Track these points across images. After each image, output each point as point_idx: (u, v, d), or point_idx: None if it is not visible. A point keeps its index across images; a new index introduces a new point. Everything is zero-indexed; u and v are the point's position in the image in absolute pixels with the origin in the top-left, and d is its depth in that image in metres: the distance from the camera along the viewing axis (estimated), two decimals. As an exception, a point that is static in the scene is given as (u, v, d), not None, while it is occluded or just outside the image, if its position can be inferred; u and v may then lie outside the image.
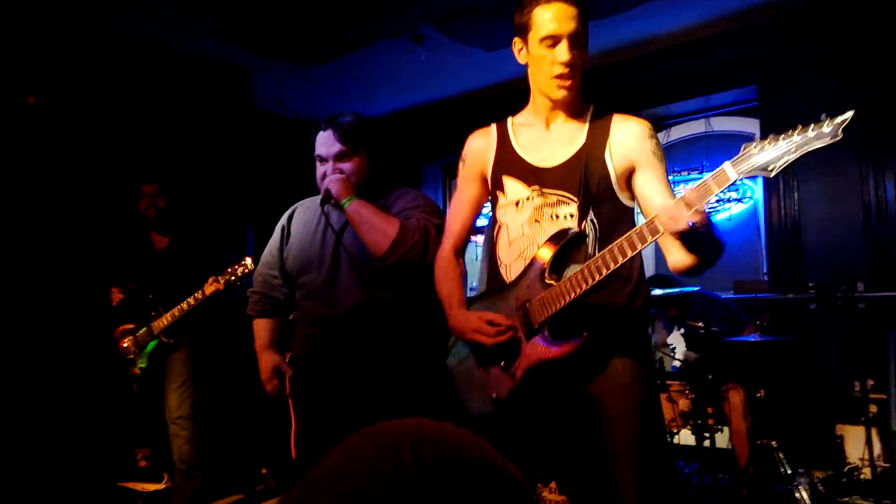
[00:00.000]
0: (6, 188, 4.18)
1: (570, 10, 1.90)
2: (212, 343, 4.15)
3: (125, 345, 3.96)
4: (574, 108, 2.03)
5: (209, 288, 3.70)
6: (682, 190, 5.34)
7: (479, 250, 5.13)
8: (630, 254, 1.73)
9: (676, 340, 4.36)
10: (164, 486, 4.22)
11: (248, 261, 3.63)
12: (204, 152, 5.08)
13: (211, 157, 5.14)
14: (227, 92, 5.26)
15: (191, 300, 3.75)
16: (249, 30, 4.63)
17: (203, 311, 3.84)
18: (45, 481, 4.08)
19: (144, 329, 3.90)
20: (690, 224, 1.61)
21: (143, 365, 3.91)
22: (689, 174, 5.45)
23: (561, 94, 1.95)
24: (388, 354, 2.45)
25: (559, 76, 1.92)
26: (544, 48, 1.92)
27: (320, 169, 2.52)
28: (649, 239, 1.71)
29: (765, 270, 4.93)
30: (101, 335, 4.11)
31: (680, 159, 5.55)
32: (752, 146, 1.58)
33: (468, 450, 0.64)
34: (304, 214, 2.69)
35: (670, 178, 5.25)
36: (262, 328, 2.78)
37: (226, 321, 4.22)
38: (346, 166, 2.48)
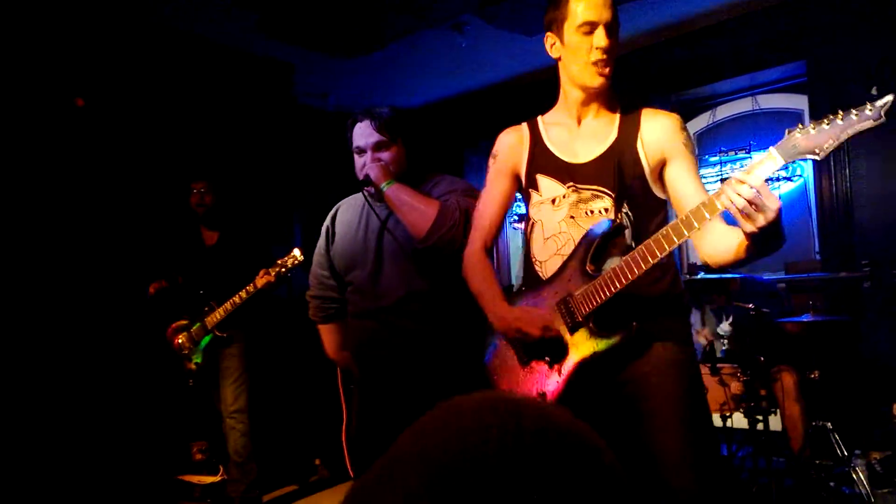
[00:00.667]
0: (57, 188, 4.31)
1: None
2: (265, 337, 4.24)
3: (179, 341, 4.06)
4: (605, 102, 2.03)
5: (260, 281, 3.76)
6: (729, 171, 5.33)
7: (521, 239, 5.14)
8: (678, 242, 1.73)
9: (726, 331, 4.31)
10: (219, 479, 4.32)
11: (297, 252, 3.70)
12: (249, 147, 5.17)
13: (256, 152, 5.23)
14: (269, 87, 5.32)
15: (242, 294, 3.82)
16: (291, 23, 4.67)
17: (255, 305, 3.92)
18: (105, 475, 4.22)
19: (198, 324, 3.99)
20: (769, 216, 1.58)
21: (198, 360, 4.01)
22: (736, 154, 5.33)
23: (599, 81, 1.94)
24: (432, 343, 2.50)
25: (597, 62, 1.92)
26: (581, 35, 1.92)
27: (359, 161, 2.57)
28: (696, 227, 1.70)
29: (817, 250, 4.84)
30: (153, 331, 4.23)
31: (727, 139, 5.45)
32: (796, 130, 1.59)
33: (565, 423, 0.63)
34: (346, 213, 2.74)
35: (717, 157, 5.29)
36: (328, 333, 2.85)
37: (278, 316, 4.33)
38: (385, 155, 2.53)
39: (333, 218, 2.79)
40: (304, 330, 3.38)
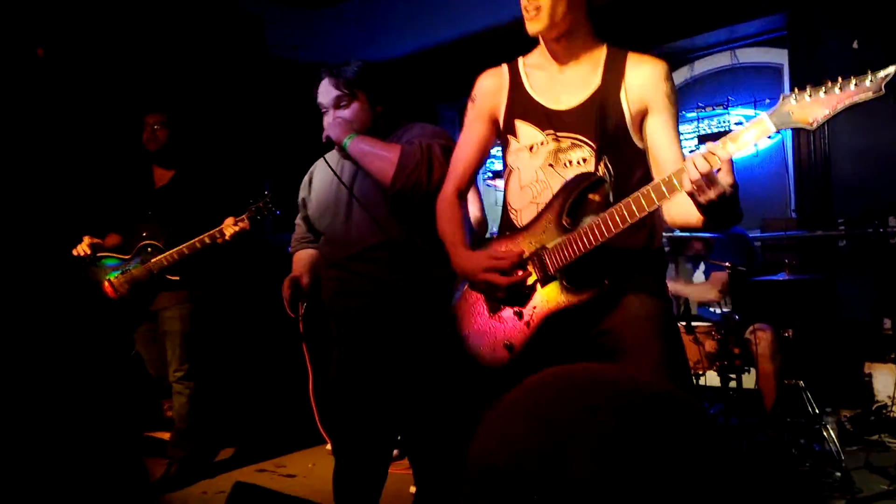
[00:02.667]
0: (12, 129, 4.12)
1: None
2: (216, 295, 3.99)
3: (109, 283, 3.79)
4: (583, 46, 1.93)
5: (229, 229, 3.48)
6: (706, 128, 5.27)
7: (500, 196, 5.06)
8: (657, 203, 1.67)
9: (699, 279, 4.29)
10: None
11: (268, 196, 3.44)
12: (216, 91, 5.00)
13: (224, 97, 5.06)
14: (240, 37, 5.15)
15: (205, 239, 3.53)
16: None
17: (206, 259, 3.68)
18: (74, 432, 4.13)
19: (141, 266, 3.73)
20: (719, 191, 1.56)
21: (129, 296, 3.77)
22: (714, 109, 5.27)
23: (530, 28, 1.88)
24: (403, 293, 2.46)
25: (525, 8, 1.86)
26: None
27: (325, 120, 2.55)
28: (678, 190, 1.63)
29: (793, 207, 4.81)
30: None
31: (705, 94, 5.37)
32: (791, 97, 1.53)
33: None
34: (323, 167, 2.70)
35: (694, 113, 5.21)
36: (298, 259, 2.80)
37: (235, 271, 4.15)
38: (345, 113, 2.51)
39: (312, 173, 2.75)
40: (264, 287, 3.27)
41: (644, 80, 1.87)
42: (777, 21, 4.77)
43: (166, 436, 4.25)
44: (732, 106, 5.22)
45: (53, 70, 4.22)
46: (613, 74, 1.89)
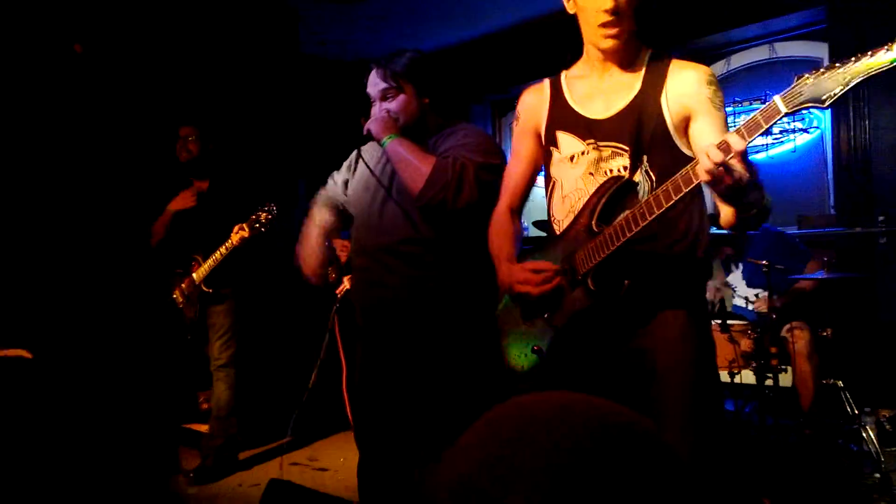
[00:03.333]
0: (56, 133, 4.21)
1: None
2: (257, 293, 4.14)
3: (175, 294, 4.01)
4: (628, 54, 1.93)
5: (235, 236, 3.67)
6: (741, 122, 5.19)
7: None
8: (675, 198, 1.63)
9: (736, 280, 4.23)
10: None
11: (273, 206, 3.60)
12: (250, 95, 5.04)
13: (258, 101, 5.10)
14: (273, 34, 5.18)
15: (222, 249, 3.73)
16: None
17: (245, 260, 3.83)
18: (111, 422, 4.21)
19: (188, 278, 3.93)
20: (726, 171, 1.52)
21: (196, 313, 3.96)
22: (751, 104, 5.18)
23: (608, 43, 1.86)
24: (430, 290, 2.46)
25: (604, 24, 1.82)
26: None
27: (373, 110, 2.53)
28: (694, 182, 1.60)
29: (832, 204, 4.72)
30: (153, 282, 4.16)
31: (742, 89, 5.28)
32: (808, 76, 1.47)
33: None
34: (370, 151, 2.69)
35: (731, 108, 5.13)
36: (316, 211, 2.79)
37: (273, 268, 4.23)
38: (392, 105, 2.49)
39: (359, 152, 2.73)
40: (299, 284, 3.32)
41: (686, 85, 1.86)
42: (817, 14, 4.68)
43: (202, 427, 4.33)
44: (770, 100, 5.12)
45: (90, 66, 4.29)
46: (654, 80, 1.88)
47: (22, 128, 4.12)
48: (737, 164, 1.54)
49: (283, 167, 5.27)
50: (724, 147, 1.52)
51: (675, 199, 1.64)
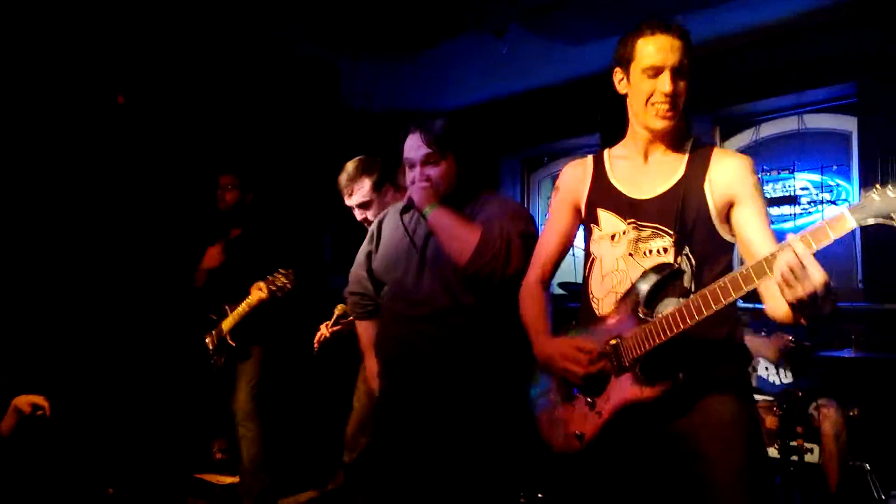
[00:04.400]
0: (98, 182, 4.30)
1: (675, 43, 1.90)
2: (285, 344, 4.14)
3: (206, 339, 4.01)
4: (674, 140, 1.97)
5: (254, 297, 3.73)
6: (770, 191, 5.18)
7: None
8: (734, 296, 1.64)
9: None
10: (238, 479, 4.25)
11: (291, 273, 3.64)
12: (289, 147, 5.13)
13: (298, 153, 5.18)
14: (315, 87, 5.28)
15: (245, 305, 3.76)
16: (335, 26, 4.64)
17: (272, 316, 3.84)
18: (125, 470, 4.20)
19: (217, 327, 3.95)
20: (809, 290, 1.51)
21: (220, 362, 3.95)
22: (779, 173, 5.19)
23: (661, 124, 1.91)
24: (469, 360, 2.42)
25: (659, 106, 1.88)
26: (645, 78, 1.89)
27: (409, 174, 2.52)
28: (755, 283, 1.61)
29: (860, 278, 4.67)
30: (178, 327, 4.19)
31: (770, 158, 5.28)
32: (874, 192, 1.48)
33: None
34: (395, 217, 2.70)
35: (760, 176, 5.11)
36: (364, 329, 2.84)
37: (302, 319, 4.26)
38: (433, 171, 2.47)
39: (381, 222, 2.76)
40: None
41: (729, 173, 1.89)
42: (847, 89, 4.70)
43: (215, 478, 4.31)
44: (798, 171, 5.12)
45: (134, 117, 4.40)
46: (698, 166, 1.91)
47: (68, 177, 4.22)
48: (814, 274, 1.51)
49: (312, 219, 5.33)
50: (791, 253, 1.52)
51: (735, 296, 1.64)
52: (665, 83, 1.87)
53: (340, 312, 3.45)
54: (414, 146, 2.48)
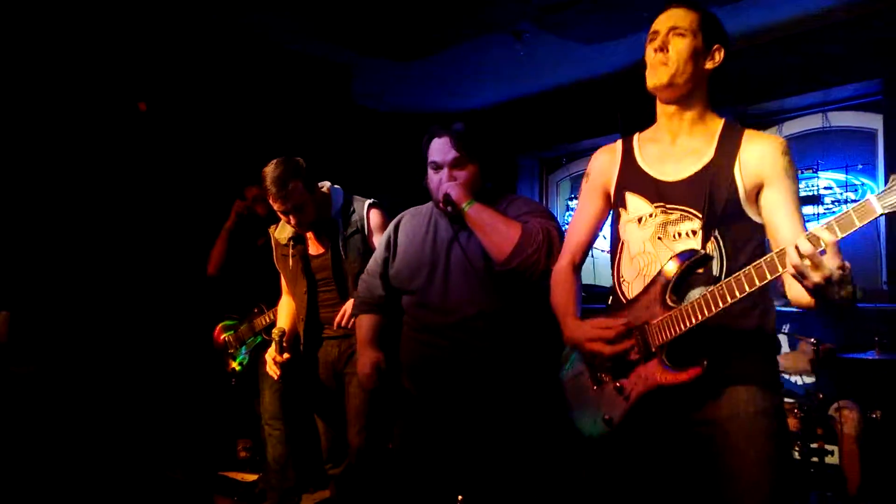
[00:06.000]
0: (120, 189, 4.37)
1: (677, 11, 1.93)
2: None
3: (224, 338, 4.04)
4: (703, 119, 1.96)
5: (267, 316, 3.80)
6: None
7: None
8: (759, 284, 1.62)
9: (783, 350, 4.14)
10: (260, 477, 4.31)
11: (272, 314, 3.69)
12: (305, 150, 5.16)
13: (313, 155, 5.21)
14: (326, 89, 5.31)
15: (271, 315, 3.78)
16: (348, 28, 4.65)
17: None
18: (149, 468, 4.26)
19: (246, 325, 3.98)
20: (825, 275, 1.50)
21: (243, 361, 3.99)
22: (802, 172, 5.13)
23: (652, 81, 1.93)
24: (502, 364, 2.45)
25: (652, 63, 1.92)
26: (648, 43, 1.95)
27: (434, 176, 2.54)
28: (779, 271, 1.60)
29: (884, 279, 4.61)
30: (203, 326, 4.24)
31: (794, 156, 5.20)
32: None
33: None
34: (412, 223, 2.71)
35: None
36: (364, 323, 2.84)
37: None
38: (461, 174, 2.50)
39: (397, 227, 2.76)
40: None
41: (760, 155, 1.86)
42: (872, 86, 4.65)
43: (239, 476, 4.36)
44: (822, 169, 5.07)
45: (154, 123, 4.46)
46: (728, 148, 1.89)
47: (90, 182, 4.29)
48: (828, 261, 1.51)
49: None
50: (815, 240, 1.50)
51: (759, 285, 1.62)
52: (657, 41, 1.91)
53: (278, 337, 3.27)
54: (442, 149, 2.50)
